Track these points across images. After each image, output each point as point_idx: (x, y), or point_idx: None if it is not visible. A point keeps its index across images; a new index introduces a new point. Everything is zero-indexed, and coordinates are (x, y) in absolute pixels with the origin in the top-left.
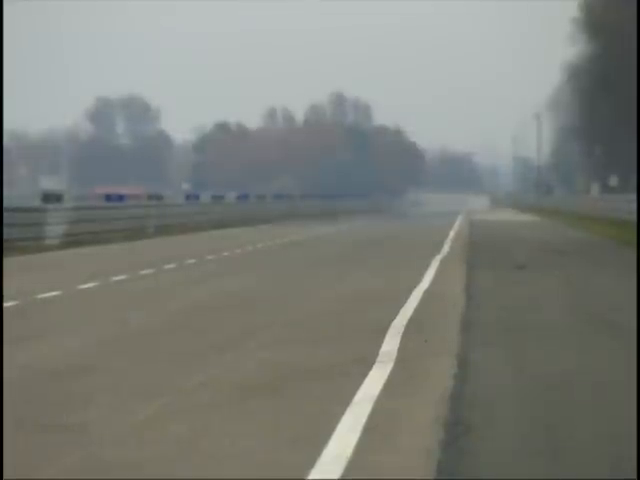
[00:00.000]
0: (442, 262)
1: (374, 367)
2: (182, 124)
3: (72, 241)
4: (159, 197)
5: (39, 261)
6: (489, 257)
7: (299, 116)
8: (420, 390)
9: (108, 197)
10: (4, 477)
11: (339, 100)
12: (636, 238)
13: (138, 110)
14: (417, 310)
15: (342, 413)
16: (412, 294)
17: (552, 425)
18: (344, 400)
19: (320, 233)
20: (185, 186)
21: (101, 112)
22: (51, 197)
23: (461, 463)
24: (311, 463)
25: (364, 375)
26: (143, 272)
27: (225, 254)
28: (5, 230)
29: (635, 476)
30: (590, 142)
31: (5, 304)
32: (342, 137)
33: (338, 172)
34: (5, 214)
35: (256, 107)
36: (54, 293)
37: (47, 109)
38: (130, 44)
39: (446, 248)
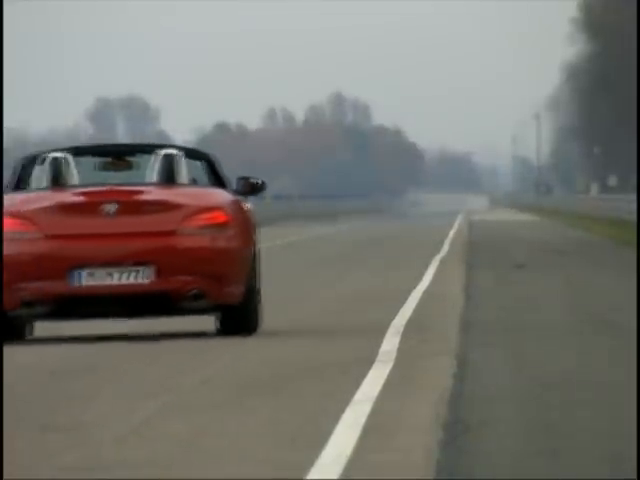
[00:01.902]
0: (442, 262)
1: (373, 366)
2: (182, 124)
3: None
4: None
5: None
6: (488, 257)
7: (299, 116)
8: (419, 389)
9: None
10: (4, 477)
11: (338, 100)
12: (636, 238)
13: (138, 110)
14: (416, 310)
15: (342, 412)
16: (412, 294)
17: (551, 424)
18: (344, 399)
19: (320, 233)
20: None
21: (101, 112)
22: None
23: (460, 462)
24: (310, 462)
25: (363, 374)
26: None
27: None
28: None
29: (635, 476)
30: (589, 142)
31: None
32: (341, 137)
33: (338, 172)
34: None
35: (256, 107)
36: None
37: (47, 109)
38: (130, 44)
39: (446, 248)
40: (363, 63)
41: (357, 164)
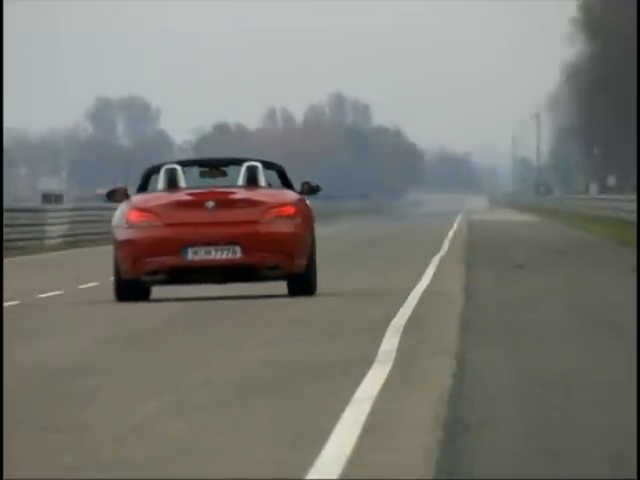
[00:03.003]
0: (441, 261)
1: (373, 366)
2: (182, 125)
3: (72, 241)
4: None
5: (39, 261)
6: (488, 257)
7: (298, 116)
8: (419, 389)
9: None
10: (4, 477)
11: (338, 100)
12: (635, 238)
13: (138, 110)
14: (416, 310)
15: (341, 412)
16: (411, 293)
17: (551, 424)
18: (343, 399)
19: (320, 233)
20: None
21: (101, 112)
22: (51, 198)
23: (460, 462)
24: (310, 462)
25: (363, 374)
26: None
27: None
28: (5, 230)
29: (635, 476)
30: (589, 142)
31: (5, 304)
32: (341, 137)
33: (338, 172)
34: (5, 214)
35: (255, 108)
36: (54, 293)
37: (47, 110)
38: (130, 44)
39: (445, 248)
40: (363, 63)
41: (357, 164)
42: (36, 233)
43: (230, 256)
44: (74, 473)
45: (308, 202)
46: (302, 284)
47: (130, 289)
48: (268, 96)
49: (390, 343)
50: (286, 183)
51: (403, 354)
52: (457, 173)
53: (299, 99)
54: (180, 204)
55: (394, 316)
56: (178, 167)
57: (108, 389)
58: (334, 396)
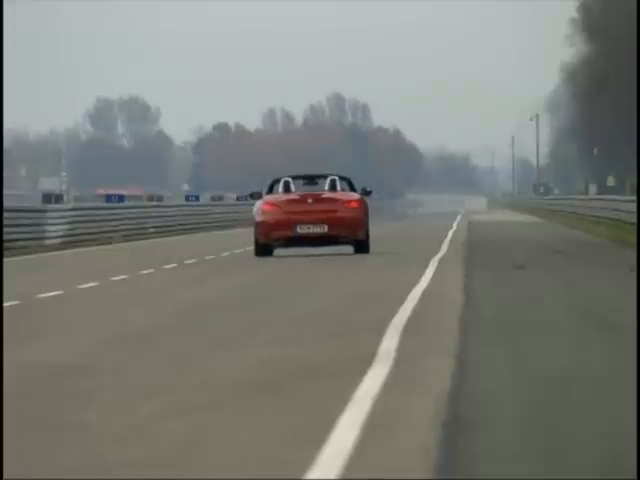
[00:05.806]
0: (441, 262)
1: (373, 366)
2: (182, 125)
3: (72, 241)
4: (159, 198)
5: (39, 261)
6: (488, 257)
7: (298, 117)
8: (419, 389)
9: (108, 198)
10: (4, 477)
11: (338, 101)
12: (635, 238)
13: (138, 111)
14: (416, 309)
15: (341, 411)
16: (411, 293)
17: (551, 424)
18: (343, 398)
19: None
20: (185, 187)
21: (101, 113)
22: (51, 198)
23: (459, 462)
24: (310, 461)
25: (363, 373)
26: (143, 272)
27: (225, 254)
28: (5, 230)
29: (635, 476)
30: (588, 143)
31: (5, 304)
32: (341, 138)
33: (338, 172)
34: (5, 214)
35: (255, 108)
36: (54, 293)
37: (47, 110)
38: (130, 44)
39: (445, 248)
40: (362, 64)
41: (357, 164)
42: (36, 233)
43: (321, 231)
44: (74, 473)
45: (366, 199)
46: (362, 247)
47: (264, 249)
48: (268, 96)
49: (390, 343)
50: (352, 188)
51: (403, 354)
52: (457, 174)
53: (299, 99)
54: (292, 200)
55: (394, 316)
56: (290, 179)
57: (108, 389)
58: (334, 396)
